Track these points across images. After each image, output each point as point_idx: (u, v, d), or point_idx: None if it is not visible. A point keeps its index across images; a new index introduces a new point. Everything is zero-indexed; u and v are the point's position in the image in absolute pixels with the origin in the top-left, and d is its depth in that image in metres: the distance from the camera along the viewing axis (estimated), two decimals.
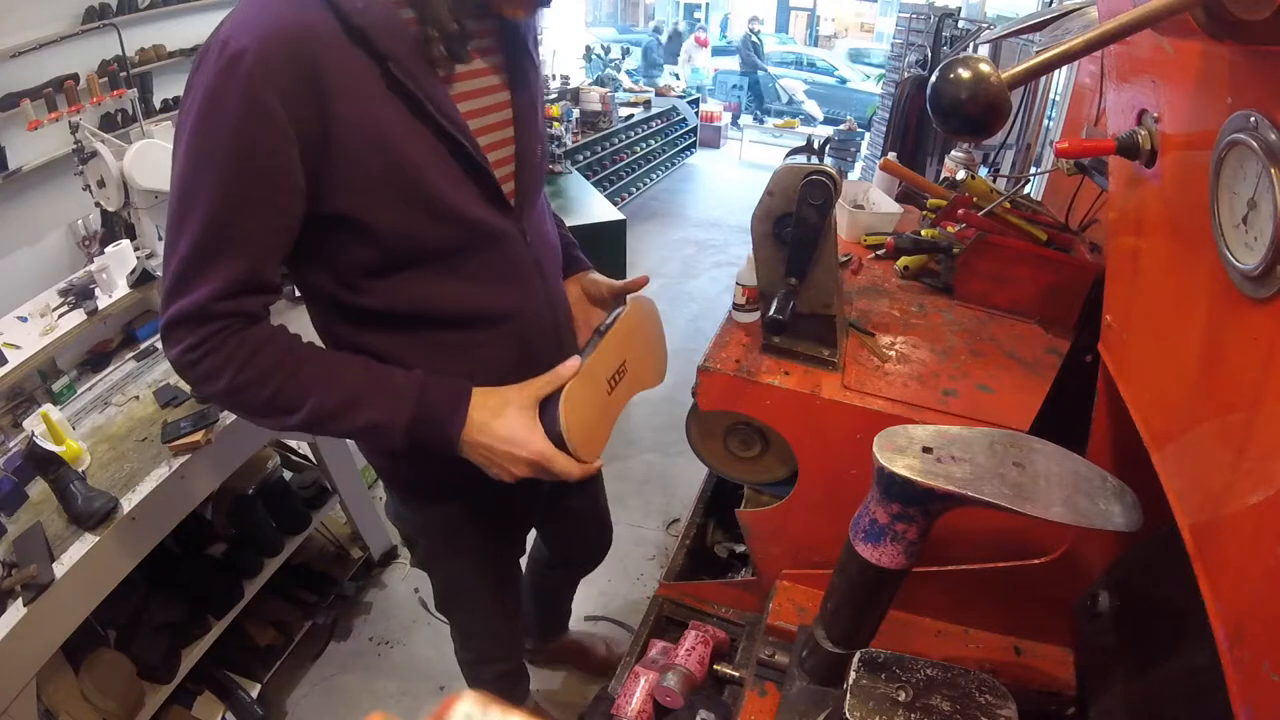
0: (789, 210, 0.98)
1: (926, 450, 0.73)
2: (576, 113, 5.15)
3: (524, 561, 1.43)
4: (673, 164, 6.75)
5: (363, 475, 2.10)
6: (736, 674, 1.22)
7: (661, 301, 1.06)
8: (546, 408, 0.84)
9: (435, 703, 0.24)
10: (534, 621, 1.80)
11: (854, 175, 5.50)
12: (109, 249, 1.86)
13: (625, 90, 6.52)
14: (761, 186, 1.00)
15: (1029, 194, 1.93)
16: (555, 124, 4.58)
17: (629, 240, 3.33)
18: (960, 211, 1.38)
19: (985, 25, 3.54)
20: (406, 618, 2.07)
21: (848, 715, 0.71)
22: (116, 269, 1.83)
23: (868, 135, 5.66)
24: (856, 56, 10.86)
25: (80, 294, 1.82)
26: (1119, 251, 0.86)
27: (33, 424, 1.48)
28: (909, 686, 0.72)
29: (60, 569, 1.21)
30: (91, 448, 1.47)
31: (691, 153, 7.21)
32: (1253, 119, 0.47)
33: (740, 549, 1.63)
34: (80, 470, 1.39)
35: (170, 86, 3.13)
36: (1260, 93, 0.48)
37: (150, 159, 1.75)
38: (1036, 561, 1.04)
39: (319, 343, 0.88)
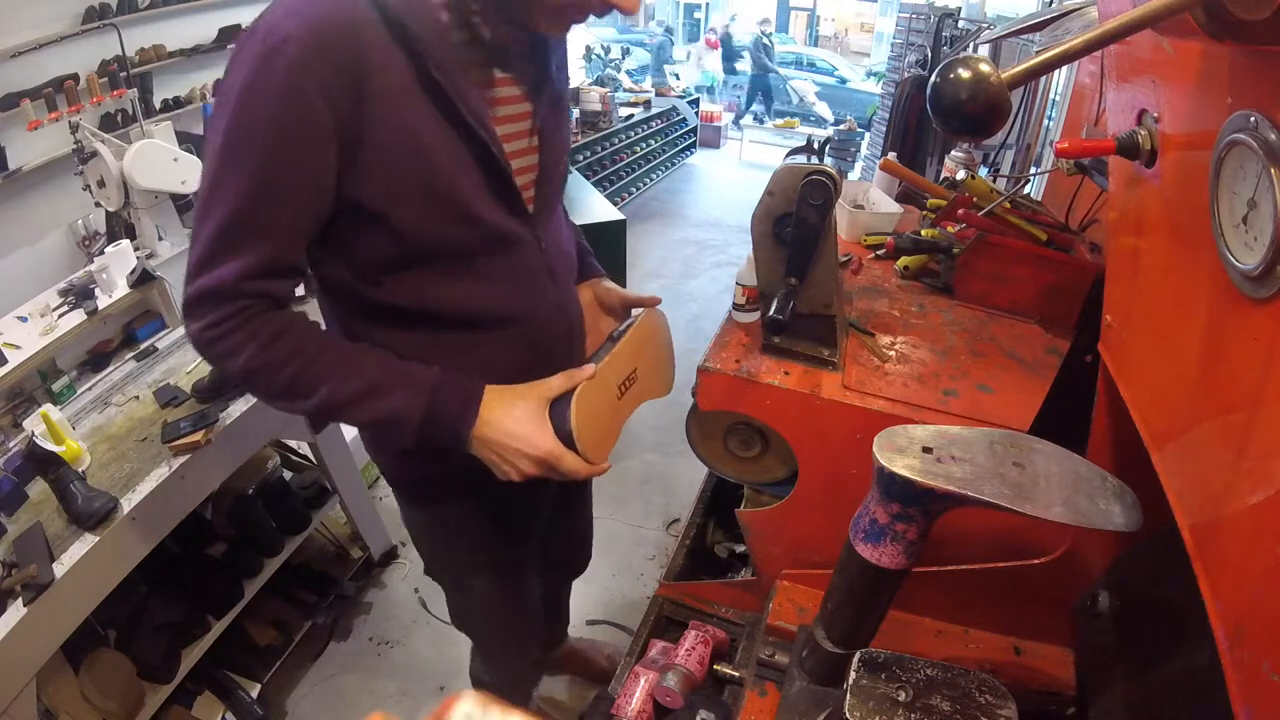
0: (789, 210, 0.98)
1: (926, 450, 0.73)
2: (576, 113, 5.16)
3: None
4: (673, 164, 6.75)
5: (363, 475, 2.10)
6: (736, 674, 1.22)
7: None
8: (556, 408, 0.85)
9: (435, 703, 0.24)
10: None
11: (854, 175, 5.50)
12: (109, 249, 1.86)
13: (625, 90, 6.54)
14: (761, 186, 1.00)
15: (1029, 194, 1.93)
16: None
17: (629, 240, 3.32)
18: (960, 211, 1.38)
19: (985, 25, 3.54)
20: (406, 618, 2.07)
21: (848, 715, 0.71)
22: (116, 269, 1.83)
23: (868, 135, 5.67)
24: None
25: (80, 294, 1.83)
26: (1119, 251, 0.86)
27: (33, 424, 1.48)
28: (909, 686, 0.72)
29: (60, 569, 1.21)
30: (91, 448, 1.47)
31: (691, 153, 7.21)
32: (1253, 119, 0.47)
33: (740, 549, 1.63)
34: (80, 470, 1.39)
35: (170, 86, 3.13)
36: (1260, 93, 0.48)
37: (150, 159, 1.76)
38: (1036, 561, 1.04)
39: None
